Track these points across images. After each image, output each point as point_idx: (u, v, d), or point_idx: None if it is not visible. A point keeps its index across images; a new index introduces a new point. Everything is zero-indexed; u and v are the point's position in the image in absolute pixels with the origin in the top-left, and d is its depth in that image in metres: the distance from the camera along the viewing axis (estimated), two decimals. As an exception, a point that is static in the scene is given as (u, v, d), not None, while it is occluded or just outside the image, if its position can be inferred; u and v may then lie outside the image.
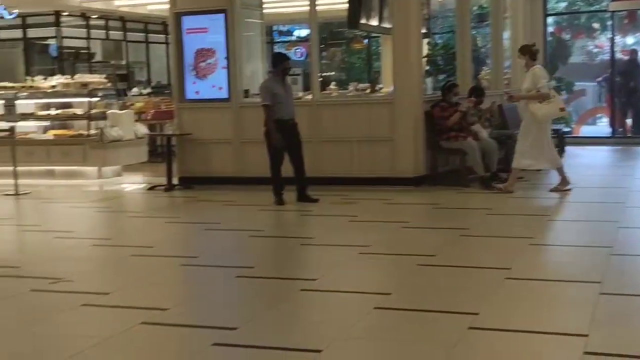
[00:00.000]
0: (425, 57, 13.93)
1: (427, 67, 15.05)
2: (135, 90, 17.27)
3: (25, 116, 13.18)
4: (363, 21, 12.15)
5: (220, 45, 11.21)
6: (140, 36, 19.52)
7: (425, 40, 14.62)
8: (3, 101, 12.86)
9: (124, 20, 18.49)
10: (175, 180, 11.38)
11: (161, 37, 19.42)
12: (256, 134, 9.85)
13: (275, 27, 21.56)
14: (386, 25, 12.30)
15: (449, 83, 11.33)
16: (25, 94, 13.61)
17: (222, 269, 6.54)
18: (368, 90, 13.99)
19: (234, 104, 11.22)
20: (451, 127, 10.55)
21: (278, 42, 22.19)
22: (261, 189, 10.04)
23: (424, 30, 12.99)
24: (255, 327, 4.94)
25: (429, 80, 14.96)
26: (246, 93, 11.37)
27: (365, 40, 21.25)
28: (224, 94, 11.24)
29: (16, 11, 13.80)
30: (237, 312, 5.38)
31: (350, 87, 14.81)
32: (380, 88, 14.78)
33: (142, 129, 13.76)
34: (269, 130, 9.44)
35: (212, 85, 11.30)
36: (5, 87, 14.04)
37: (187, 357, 4.49)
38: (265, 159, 9.63)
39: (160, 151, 14.51)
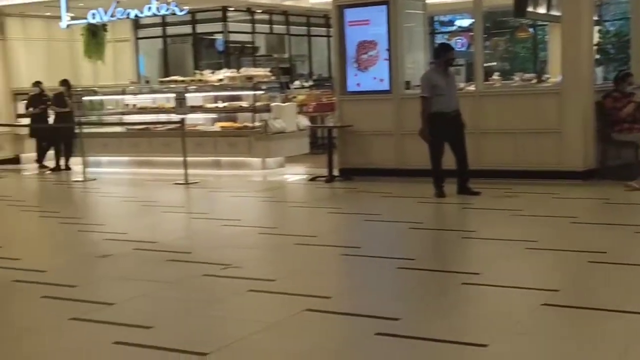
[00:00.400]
0: (595, 45, 13.31)
1: (598, 56, 14.39)
2: (297, 83, 17.62)
3: (195, 109, 13.78)
4: (530, 9, 11.79)
5: (382, 37, 11.22)
6: (302, 30, 19.87)
7: (596, 28, 13.97)
8: (174, 94, 13.48)
9: (287, 14, 18.89)
10: (335, 172, 11.52)
11: (323, 30, 19.68)
12: (417, 126, 9.76)
13: (436, 18, 21.33)
14: (555, 12, 11.87)
15: (623, 72, 10.76)
16: (194, 87, 14.23)
17: (383, 260, 6.54)
18: (534, 81, 13.56)
19: (395, 96, 11.20)
20: (624, 118, 10.04)
21: (439, 32, 21.96)
22: (421, 181, 9.96)
23: (595, 17, 12.41)
24: (418, 319, 4.92)
25: (599, 70, 14.28)
26: (407, 85, 11.32)
27: (531, 29, 20.59)
28: (385, 85, 11.25)
29: (187, 8, 14.40)
30: (399, 303, 5.36)
31: (516, 78, 14.41)
32: (547, 78, 14.29)
33: (304, 121, 14.03)
34: (422, 121, 9.36)
35: (373, 77, 11.34)
36: (176, 81, 14.75)
37: (351, 345, 4.53)
38: (426, 150, 9.55)
39: (321, 143, 14.73)
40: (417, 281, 5.95)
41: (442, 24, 22.37)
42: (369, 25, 11.30)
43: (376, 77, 11.31)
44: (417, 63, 11.81)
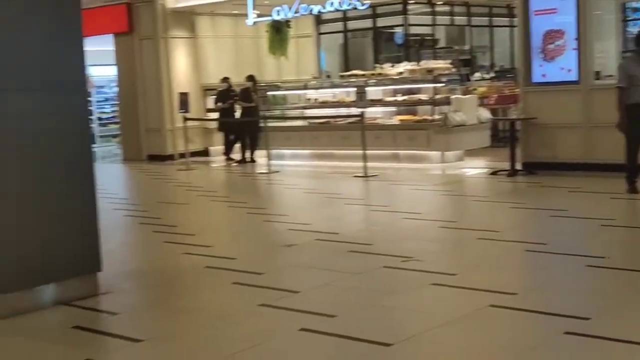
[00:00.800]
0: None
1: None
2: (477, 75, 17.29)
3: (374, 102, 13.88)
4: None
5: (570, 25, 10.78)
6: (483, 20, 19.49)
7: None
8: (354, 88, 13.65)
9: (468, 5, 18.59)
10: (518, 165, 11.21)
11: (505, 20, 19.22)
12: (608, 118, 9.30)
13: (628, 4, 20.15)
14: None
15: None
16: (374, 81, 14.33)
17: (571, 257, 6.27)
18: None
19: (583, 87, 10.73)
20: None
21: (631, 19, 20.75)
22: (611, 176, 9.50)
23: None
24: (609, 319, 4.69)
25: None
26: (597, 75, 10.80)
27: None
28: (572, 76, 10.80)
29: (368, 2, 14.51)
30: (589, 302, 5.14)
31: None
32: None
33: (485, 114, 13.76)
34: (620, 113, 8.88)
35: (560, 67, 10.92)
36: (356, 75, 14.92)
37: (539, 344, 4.38)
38: (617, 143, 9.06)
39: (502, 136, 14.39)
40: (608, 280, 5.67)
41: (635, 10, 21.11)
42: (556, 14, 10.88)
43: (563, 67, 10.89)
44: (608, 52, 11.25)
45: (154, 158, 16.29)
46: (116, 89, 18.05)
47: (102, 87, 21.26)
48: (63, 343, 4.82)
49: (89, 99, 16.50)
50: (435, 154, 13.10)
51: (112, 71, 17.73)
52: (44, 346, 4.77)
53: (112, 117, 20.92)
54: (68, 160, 5.53)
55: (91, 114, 18.70)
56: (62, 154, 5.49)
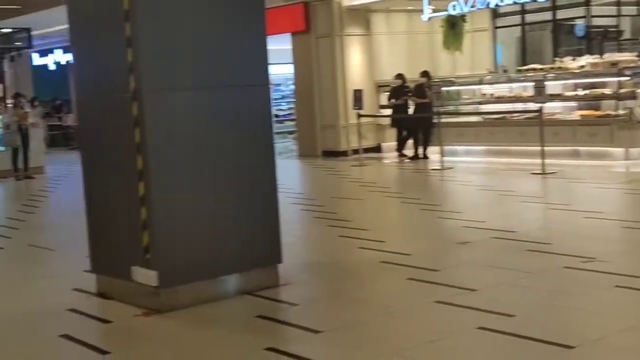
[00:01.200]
0: None
1: None
2: (666, 67, 16.30)
3: (553, 97, 13.41)
4: None
5: None
6: (673, 10, 18.31)
7: None
8: (532, 83, 13.25)
9: (656, -5, 17.55)
10: None
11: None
12: None
13: None
14: None
15: None
16: (553, 75, 13.86)
17: None
18: None
19: None
20: None
21: None
22: None
23: None
24: None
25: None
26: None
27: None
28: None
29: (548, -6, 14.10)
30: None
31: None
32: None
33: (674, 109, 12.94)
34: None
35: None
36: (534, 69, 14.49)
37: None
38: None
39: (694, 132, 13.47)
40: None
41: None
42: None
43: None
44: None
45: (328, 154, 16.58)
46: (292, 87, 18.54)
47: (278, 85, 21.90)
48: (246, 331, 5.03)
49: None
50: (618, 150, 12.51)
51: (288, 69, 18.22)
52: (228, 334, 5.01)
53: (288, 114, 21.51)
54: (254, 156, 5.76)
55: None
56: (249, 150, 5.73)
